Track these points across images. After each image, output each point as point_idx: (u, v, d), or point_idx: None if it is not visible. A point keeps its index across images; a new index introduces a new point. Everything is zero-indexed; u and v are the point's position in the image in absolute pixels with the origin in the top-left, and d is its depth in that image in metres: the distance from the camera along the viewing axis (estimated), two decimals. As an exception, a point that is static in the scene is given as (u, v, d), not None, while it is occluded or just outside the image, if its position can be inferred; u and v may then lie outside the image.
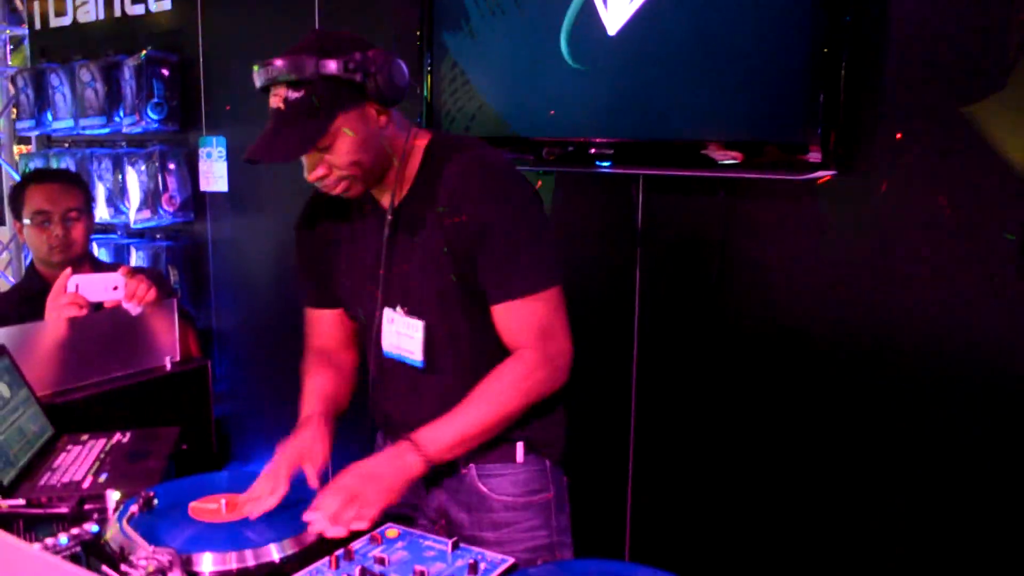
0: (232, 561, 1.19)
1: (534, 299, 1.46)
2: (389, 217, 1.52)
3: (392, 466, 1.40)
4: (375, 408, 1.69)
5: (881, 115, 1.86)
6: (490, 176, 1.49)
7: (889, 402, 1.93)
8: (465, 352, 1.53)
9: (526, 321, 1.47)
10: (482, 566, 1.21)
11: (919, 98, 1.82)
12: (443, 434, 1.43)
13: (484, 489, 1.56)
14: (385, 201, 1.55)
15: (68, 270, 2.06)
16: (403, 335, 1.53)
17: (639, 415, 2.33)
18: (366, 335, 1.63)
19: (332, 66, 1.38)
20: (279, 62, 1.38)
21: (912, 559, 1.94)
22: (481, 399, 1.45)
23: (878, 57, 1.85)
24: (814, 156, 1.84)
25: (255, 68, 1.42)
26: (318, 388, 1.62)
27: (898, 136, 1.84)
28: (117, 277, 2.04)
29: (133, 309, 2.07)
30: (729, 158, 1.96)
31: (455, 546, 1.27)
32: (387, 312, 1.55)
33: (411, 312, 1.52)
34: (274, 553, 1.23)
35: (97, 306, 2.07)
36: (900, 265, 1.88)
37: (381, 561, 1.22)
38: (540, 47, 2.23)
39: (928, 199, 1.83)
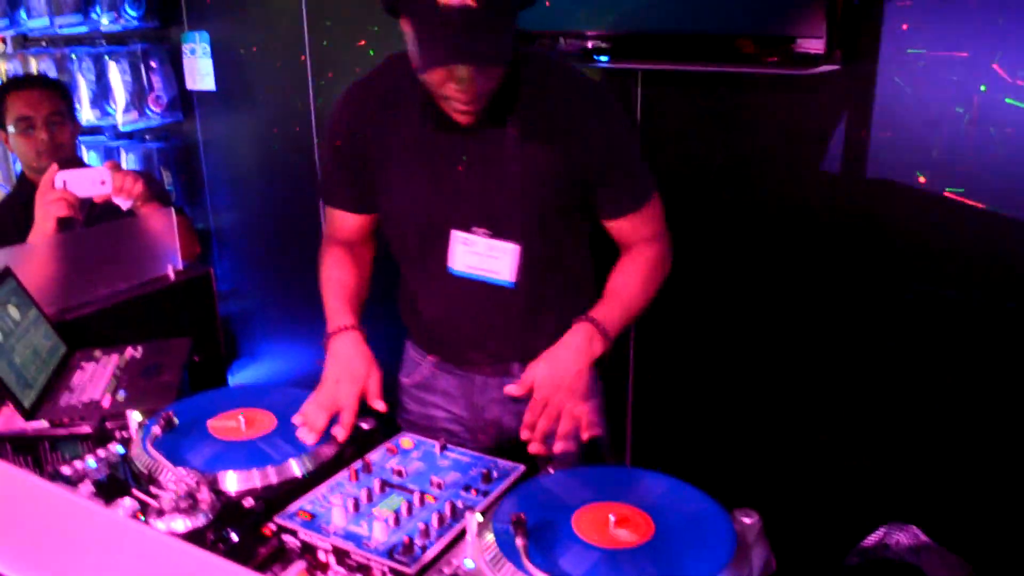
0: (256, 479, 1.23)
1: (652, 202, 1.55)
2: (467, 134, 1.42)
3: (580, 353, 1.41)
4: (420, 325, 1.66)
5: (886, 5, 1.81)
6: (599, 97, 1.48)
7: (892, 298, 1.96)
8: (557, 271, 1.55)
9: (648, 223, 1.55)
10: (495, 474, 1.26)
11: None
12: (612, 313, 1.46)
13: None
14: (456, 115, 1.40)
15: (54, 166, 2.03)
16: (485, 256, 1.48)
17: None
18: (417, 251, 1.55)
19: None
20: None
21: (914, 460, 2.01)
22: (631, 282, 1.51)
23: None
24: (816, 47, 1.80)
25: None
26: (343, 286, 1.55)
27: (904, 27, 1.80)
28: (104, 171, 2.02)
29: (123, 203, 2.07)
30: (731, 51, 1.91)
31: (443, 448, 1.33)
32: (460, 234, 1.49)
33: (496, 234, 1.47)
34: (295, 469, 1.27)
35: (87, 208, 2.05)
36: (903, 160, 1.87)
37: (399, 473, 1.27)
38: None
39: (930, 93, 1.80)
